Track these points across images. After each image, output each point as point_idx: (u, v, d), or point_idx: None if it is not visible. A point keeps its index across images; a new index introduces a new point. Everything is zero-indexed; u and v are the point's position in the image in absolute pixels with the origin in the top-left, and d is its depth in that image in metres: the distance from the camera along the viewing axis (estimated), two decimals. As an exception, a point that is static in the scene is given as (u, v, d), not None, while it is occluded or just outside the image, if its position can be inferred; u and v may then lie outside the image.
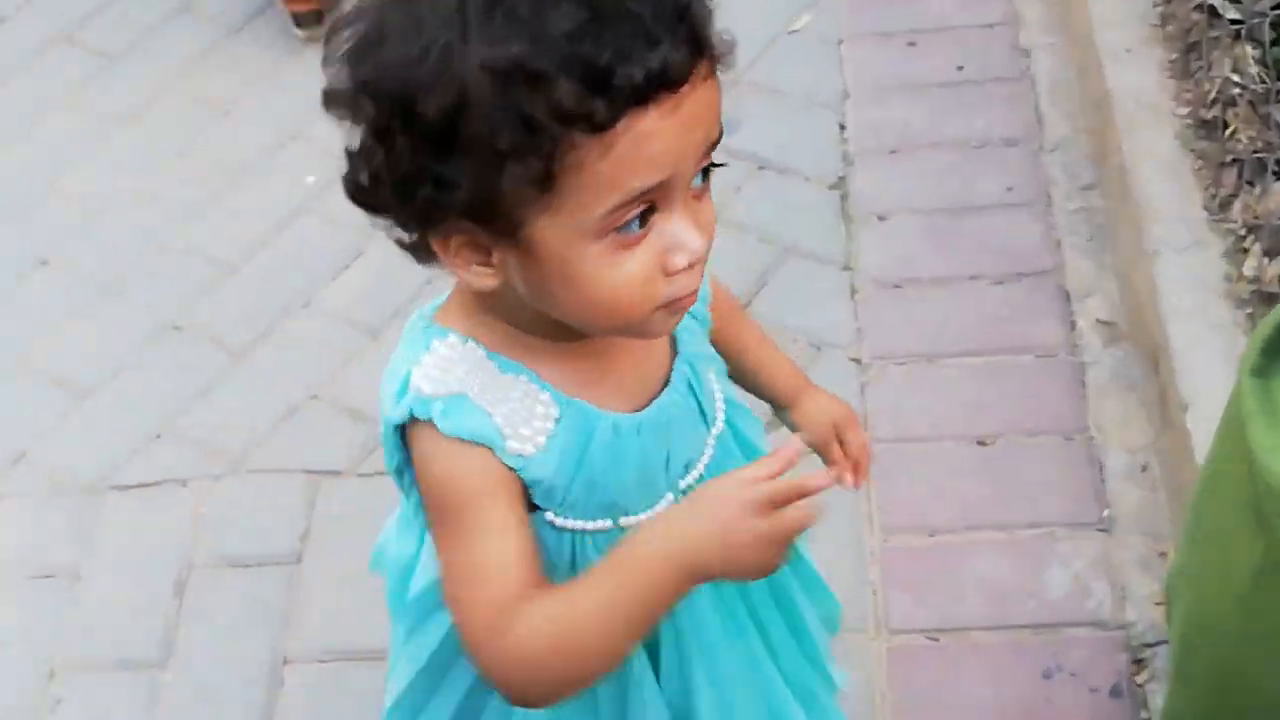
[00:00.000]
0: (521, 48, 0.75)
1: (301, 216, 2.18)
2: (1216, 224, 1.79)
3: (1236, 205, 1.79)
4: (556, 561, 0.94)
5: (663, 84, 0.76)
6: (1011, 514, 1.68)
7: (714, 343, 1.02)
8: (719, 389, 1.01)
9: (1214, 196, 1.82)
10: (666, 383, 0.95)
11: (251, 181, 2.26)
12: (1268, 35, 1.88)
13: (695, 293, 0.85)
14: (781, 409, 1.16)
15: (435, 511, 0.89)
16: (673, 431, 0.95)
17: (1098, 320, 1.87)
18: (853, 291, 1.94)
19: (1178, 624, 0.96)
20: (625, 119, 0.76)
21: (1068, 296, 1.90)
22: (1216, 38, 1.94)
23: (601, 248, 0.80)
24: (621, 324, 0.84)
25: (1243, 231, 1.77)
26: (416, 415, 0.87)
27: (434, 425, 0.86)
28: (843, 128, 2.17)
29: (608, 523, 0.94)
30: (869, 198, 2.06)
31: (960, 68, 2.23)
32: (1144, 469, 1.70)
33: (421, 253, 0.86)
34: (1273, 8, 1.90)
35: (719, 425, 1.00)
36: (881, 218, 2.03)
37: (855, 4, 2.34)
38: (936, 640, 1.57)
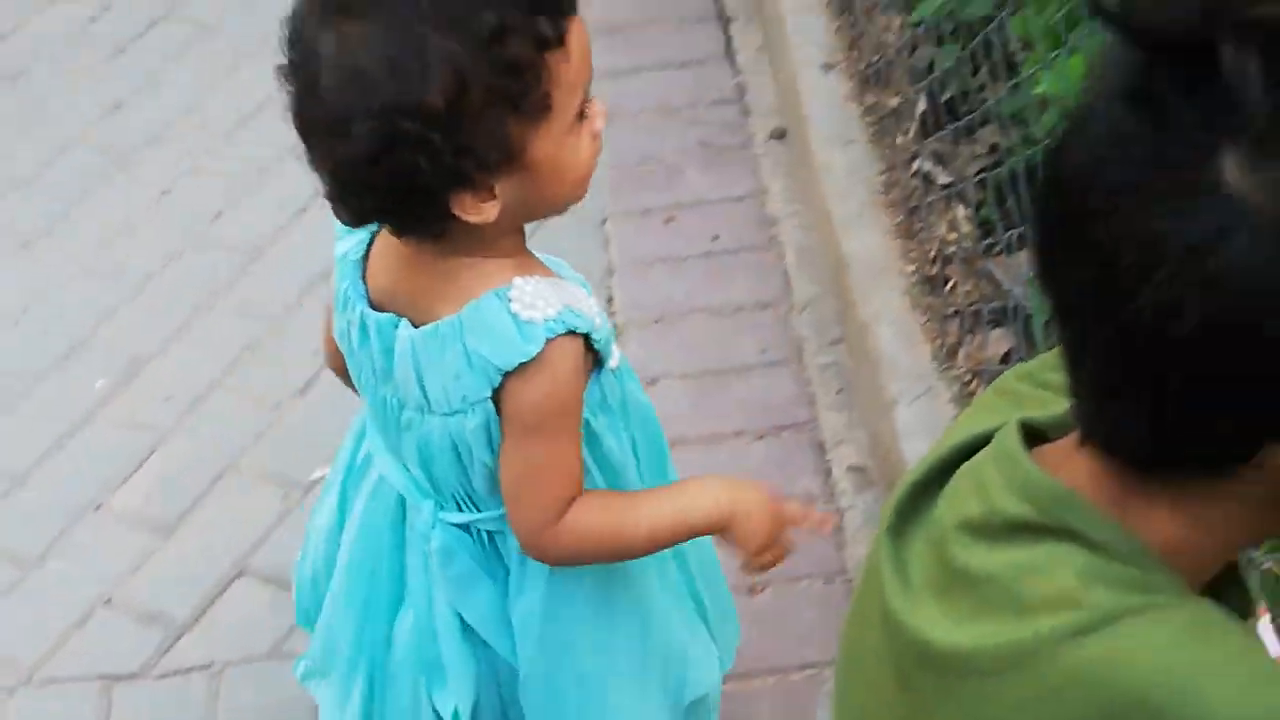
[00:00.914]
0: (488, 14, 1.02)
1: (91, 423, 2.28)
2: (944, 372, 2.02)
3: (961, 353, 2.03)
4: (612, 403, 1.27)
5: None
6: (783, 658, 1.86)
7: None
8: None
9: (941, 347, 2.05)
10: None
11: (39, 390, 2.34)
12: (974, 197, 2.15)
13: None
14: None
15: (552, 417, 1.17)
16: None
17: (849, 467, 2.09)
18: (626, 456, 2.14)
19: None
20: (569, 30, 1.07)
21: (822, 446, 2.13)
22: (933, 201, 2.19)
23: (575, 136, 1.11)
24: (585, 190, 1.16)
25: (967, 378, 2.00)
26: (570, 328, 1.14)
27: (574, 334, 1.15)
28: (610, 301, 2.36)
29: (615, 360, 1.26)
30: (638, 365, 2.03)
31: (715, 238, 2.47)
32: (899, 605, 1.90)
33: (434, 223, 1.11)
34: (978, 172, 2.18)
35: None
36: (651, 382, 2.22)
37: (617, 186, 2.55)
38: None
